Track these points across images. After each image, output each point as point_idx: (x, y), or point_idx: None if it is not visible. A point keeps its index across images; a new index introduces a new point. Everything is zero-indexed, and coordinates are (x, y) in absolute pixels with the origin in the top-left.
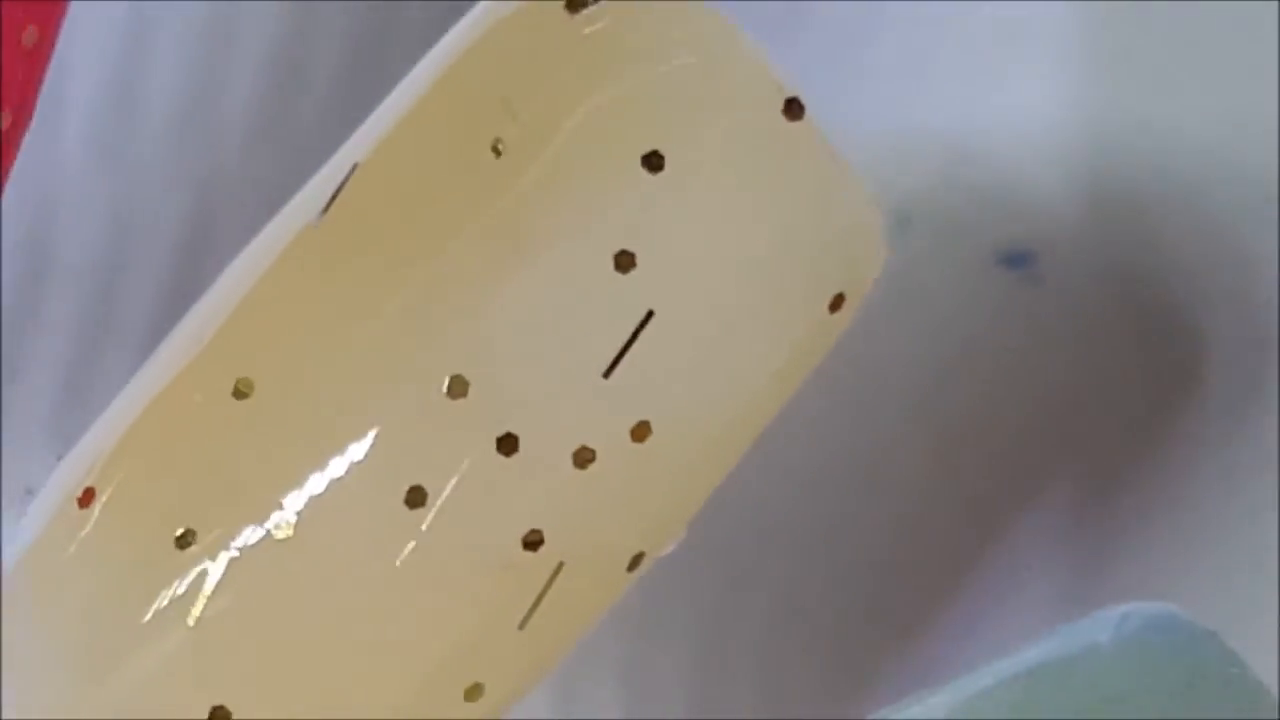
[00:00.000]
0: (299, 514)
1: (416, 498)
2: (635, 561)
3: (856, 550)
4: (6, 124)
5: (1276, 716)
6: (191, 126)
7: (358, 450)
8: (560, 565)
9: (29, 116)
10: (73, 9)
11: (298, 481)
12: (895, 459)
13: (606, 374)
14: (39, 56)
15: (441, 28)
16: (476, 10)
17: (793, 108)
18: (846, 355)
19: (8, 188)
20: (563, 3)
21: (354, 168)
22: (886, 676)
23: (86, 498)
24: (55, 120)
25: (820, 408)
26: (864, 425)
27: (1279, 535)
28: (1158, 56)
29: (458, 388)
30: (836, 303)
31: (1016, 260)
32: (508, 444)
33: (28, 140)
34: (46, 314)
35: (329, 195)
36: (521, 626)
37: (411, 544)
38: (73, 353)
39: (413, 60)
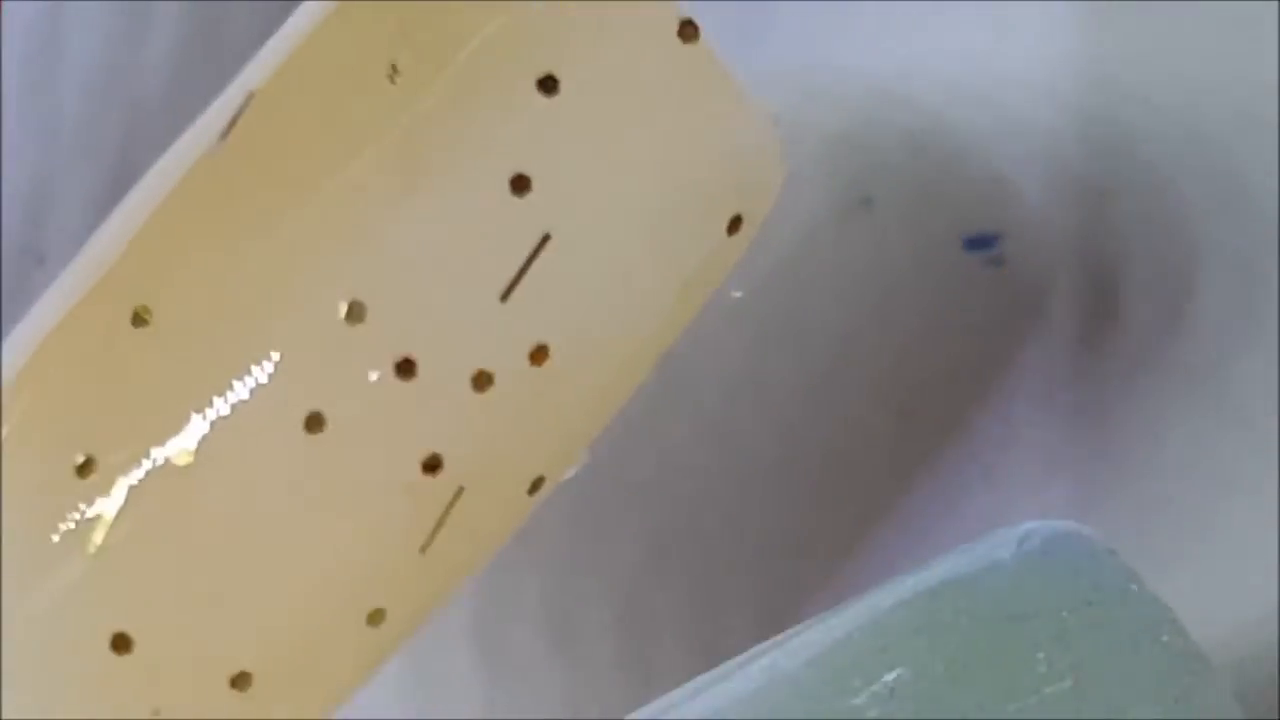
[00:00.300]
0: (198, 440)
1: (315, 422)
2: (536, 485)
3: (819, 531)
4: None
5: (1172, 633)
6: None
7: (256, 376)
8: (460, 489)
9: None
10: None
11: (197, 408)
12: (858, 438)
13: (504, 297)
14: None
15: None
16: None
17: (687, 30)
18: (810, 335)
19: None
20: None
21: (250, 95)
22: None
23: None
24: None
25: (784, 387)
26: (827, 405)
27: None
28: (1135, 42)
29: (356, 312)
30: (734, 224)
31: (980, 242)
32: (406, 368)
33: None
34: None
35: (226, 122)
36: (423, 550)
37: (310, 469)
38: None
39: None
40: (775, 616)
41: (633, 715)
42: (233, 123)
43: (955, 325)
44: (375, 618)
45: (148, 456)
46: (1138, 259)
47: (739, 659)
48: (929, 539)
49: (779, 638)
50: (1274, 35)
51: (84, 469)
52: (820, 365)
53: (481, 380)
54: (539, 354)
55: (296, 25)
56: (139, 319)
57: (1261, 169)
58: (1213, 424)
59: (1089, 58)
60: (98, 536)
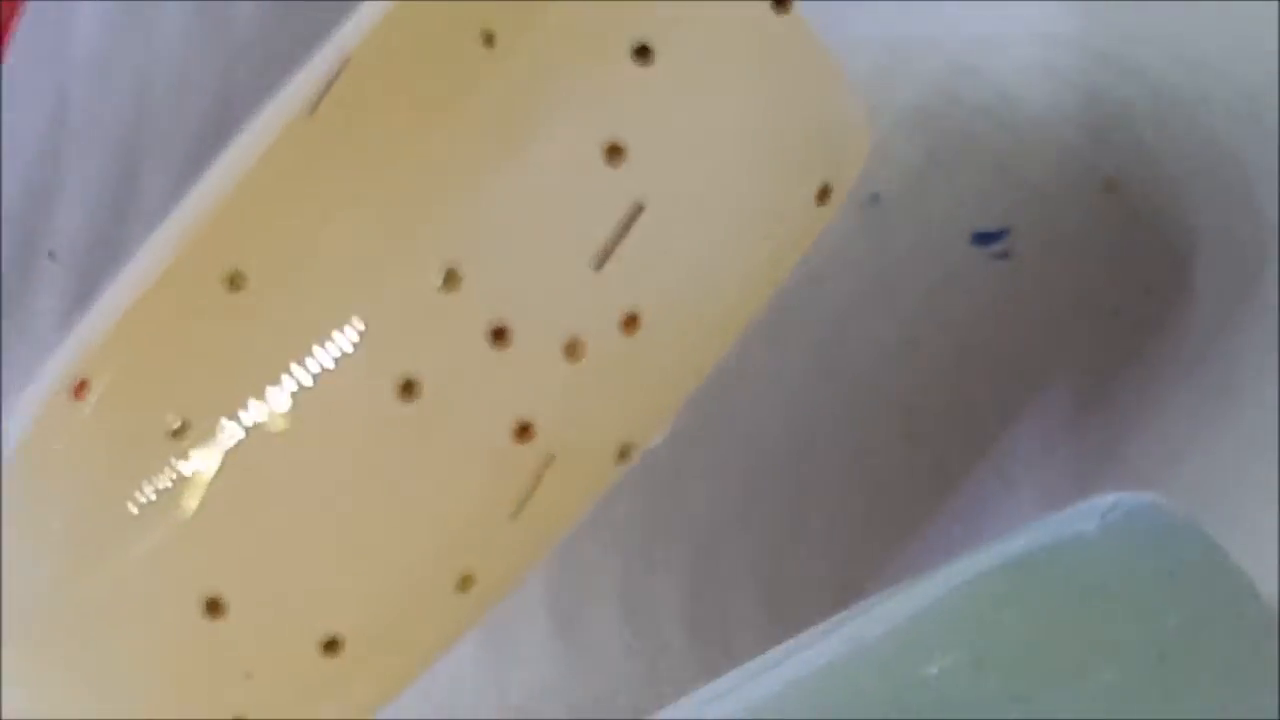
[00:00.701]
0: (292, 405)
1: (409, 388)
2: (624, 453)
3: (829, 524)
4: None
5: (1255, 605)
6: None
7: (350, 341)
8: (551, 456)
9: None
10: None
11: (291, 373)
12: (866, 431)
13: (597, 265)
14: None
15: None
16: None
17: (782, 0)
18: (819, 329)
19: (20, 89)
20: None
21: (345, 59)
22: None
23: (80, 389)
24: (66, 27)
25: (793, 380)
26: (835, 397)
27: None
28: (1141, 36)
29: (451, 280)
30: (823, 194)
31: (988, 236)
32: (500, 335)
33: (39, 44)
34: (58, 218)
35: (320, 87)
36: (513, 517)
37: (404, 434)
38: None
39: None
40: (848, 589)
41: (713, 682)
42: (327, 87)
43: (962, 318)
44: (465, 583)
45: (242, 420)
46: (1144, 252)
47: (820, 627)
48: (935, 529)
49: (859, 606)
50: (1274, 20)
51: (178, 432)
52: (828, 358)
53: (574, 348)
54: (630, 322)
55: None
56: (233, 282)
57: (1266, 156)
58: (1219, 415)
59: (1094, 50)
60: (191, 500)
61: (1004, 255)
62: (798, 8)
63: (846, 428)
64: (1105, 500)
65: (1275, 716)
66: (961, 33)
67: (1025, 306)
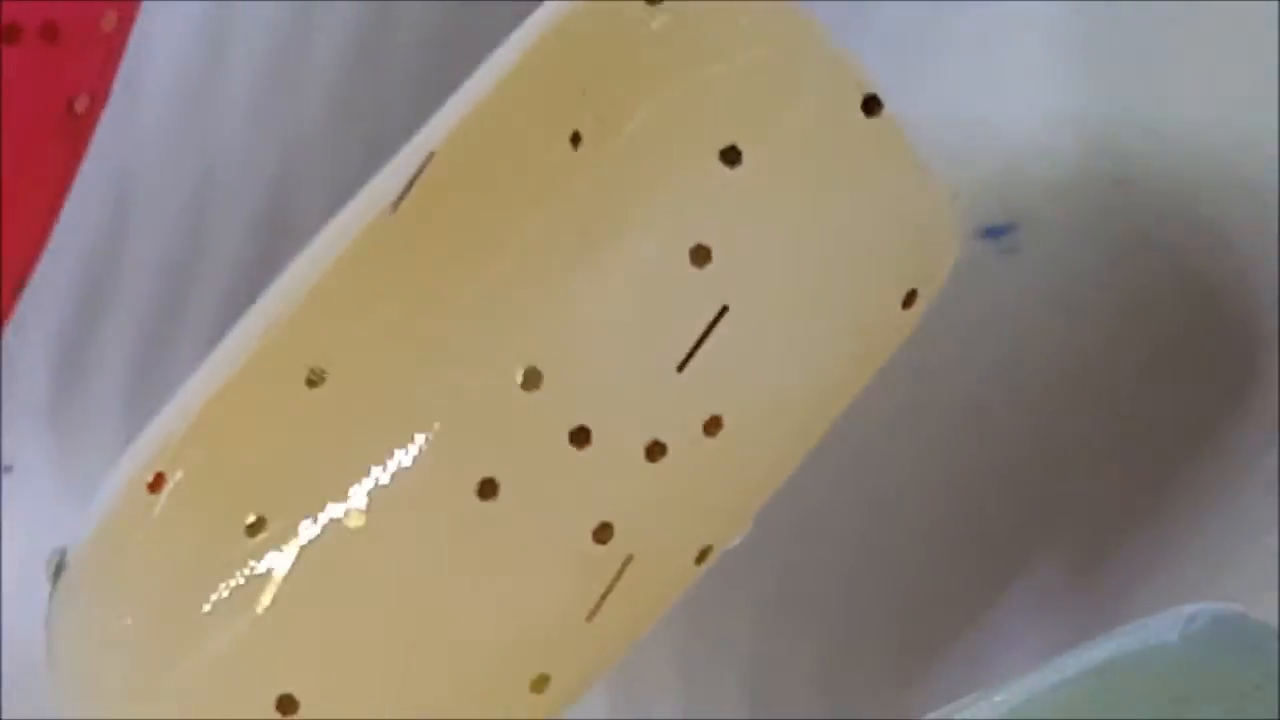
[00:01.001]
0: (370, 502)
1: (488, 488)
2: (703, 555)
3: (845, 532)
4: (82, 107)
5: None
6: (267, 115)
7: (429, 439)
8: (630, 557)
9: (105, 100)
10: None
11: (369, 470)
12: (875, 429)
13: (680, 367)
14: (116, 41)
15: (515, 18)
16: (550, 2)
17: (871, 105)
18: None
19: (85, 170)
20: None
21: (429, 156)
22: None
23: (157, 482)
24: (132, 106)
25: None
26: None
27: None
28: (1147, 35)
29: (532, 379)
30: (909, 299)
31: (995, 231)
32: (580, 436)
33: (104, 125)
34: (119, 300)
35: (404, 183)
36: (589, 618)
37: (482, 534)
38: (145, 340)
39: (487, 49)
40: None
41: None
42: (411, 183)
43: (970, 313)
44: (539, 684)
45: (319, 517)
46: (1153, 246)
47: None
48: (948, 543)
49: (940, 712)
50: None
51: (254, 527)
52: None
53: (655, 450)
54: (712, 424)
55: (476, 85)
56: (312, 379)
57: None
58: (1231, 414)
59: (1102, 45)
60: (266, 596)
61: (1013, 249)
62: (889, 113)
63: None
64: (1187, 609)
65: None
66: (963, 43)
67: (1032, 300)
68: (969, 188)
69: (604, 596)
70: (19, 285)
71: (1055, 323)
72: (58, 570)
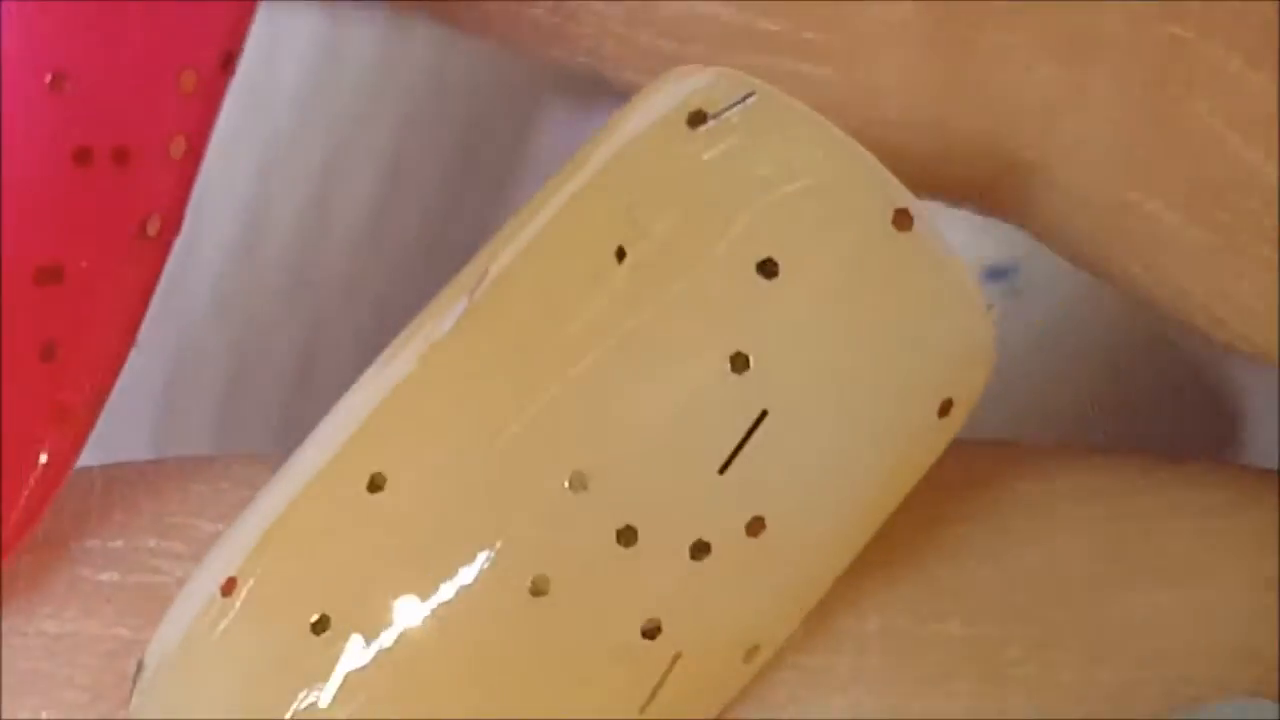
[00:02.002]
0: (427, 605)
1: (541, 586)
2: (751, 653)
3: None
4: (154, 229)
5: None
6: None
7: (486, 543)
8: (678, 655)
9: (178, 225)
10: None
11: (426, 573)
12: None
13: (722, 470)
14: (187, 167)
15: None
16: (605, 125)
17: (901, 219)
18: None
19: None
20: (686, 119)
21: (484, 275)
22: None
23: (229, 587)
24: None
25: None
26: None
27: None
28: None
29: (579, 481)
30: (945, 408)
31: (998, 273)
32: (627, 535)
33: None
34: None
35: (462, 303)
36: (640, 712)
37: (535, 633)
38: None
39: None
40: None
41: None
42: (469, 301)
43: None
44: None
45: (381, 618)
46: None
47: None
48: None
49: None
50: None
51: (319, 626)
52: None
53: (699, 549)
54: (755, 525)
55: (532, 209)
56: (375, 485)
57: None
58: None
59: None
60: (329, 693)
61: (1016, 294)
62: (920, 225)
63: None
64: (1213, 707)
65: None
66: None
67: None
68: (972, 228)
69: (654, 692)
70: (98, 403)
71: (1054, 363)
72: (138, 671)
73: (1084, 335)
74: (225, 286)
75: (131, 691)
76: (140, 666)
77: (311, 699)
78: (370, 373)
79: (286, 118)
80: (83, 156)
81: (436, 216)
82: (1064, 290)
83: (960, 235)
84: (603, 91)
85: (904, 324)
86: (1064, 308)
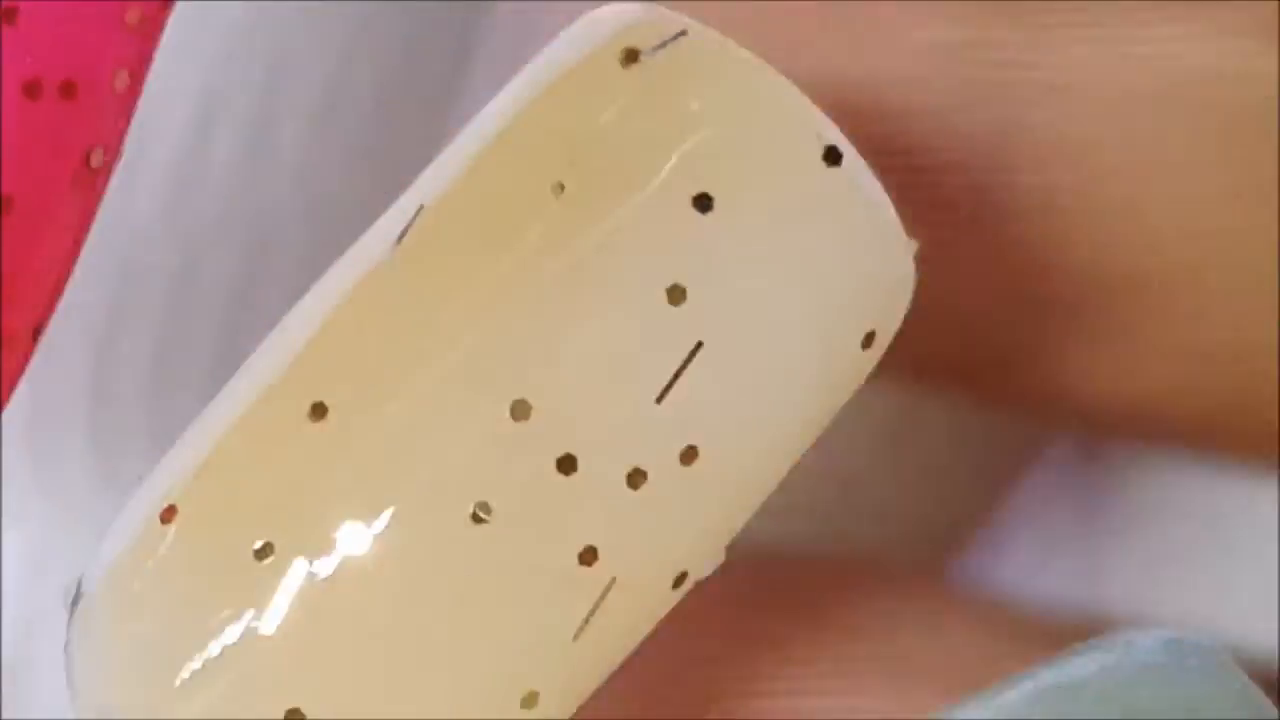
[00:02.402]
0: (371, 531)
1: (481, 514)
2: (679, 580)
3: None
4: (98, 161)
5: None
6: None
7: (426, 471)
8: (613, 580)
9: (118, 154)
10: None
11: (369, 500)
12: (871, 483)
13: (659, 399)
14: (128, 100)
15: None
16: (537, 61)
17: (831, 155)
18: None
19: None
20: (619, 57)
21: (420, 209)
22: None
23: (168, 514)
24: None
25: None
26: (839, 454)
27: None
28: None
29: (520, 410)
30: (868, 339)
31: None
32: (567, 464)
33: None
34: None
35: (398, 232)
36: (575, 638)
37: (475, 559)
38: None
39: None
40: None
41: None
42: (404, 233)
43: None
44: (529, 701)
45: (323, 544)
46: None
47: None
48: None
49: None
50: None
51: (261, 553)
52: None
53: (636, 478)
54: (689, 454)
55: (463, 145)
56: (317, 414)
57: None
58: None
59: None
60: (273, 618)
61: None
62: (849, 161)
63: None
64: (1128, 634)
65: None
66: None
67: None
68: None
69: (589, 616)
70: (39, 329)
71: None
72: (75, 598)
73: None
74: (165, 210)
75: (69, 616)
76: (78, 592)
77: (254, 623)
78: (307, 301)
79: (225, 38)
80: (32, 90)
81: (379, 132)
82: None
83: None
84: None
85: (833, 257)
86: None
